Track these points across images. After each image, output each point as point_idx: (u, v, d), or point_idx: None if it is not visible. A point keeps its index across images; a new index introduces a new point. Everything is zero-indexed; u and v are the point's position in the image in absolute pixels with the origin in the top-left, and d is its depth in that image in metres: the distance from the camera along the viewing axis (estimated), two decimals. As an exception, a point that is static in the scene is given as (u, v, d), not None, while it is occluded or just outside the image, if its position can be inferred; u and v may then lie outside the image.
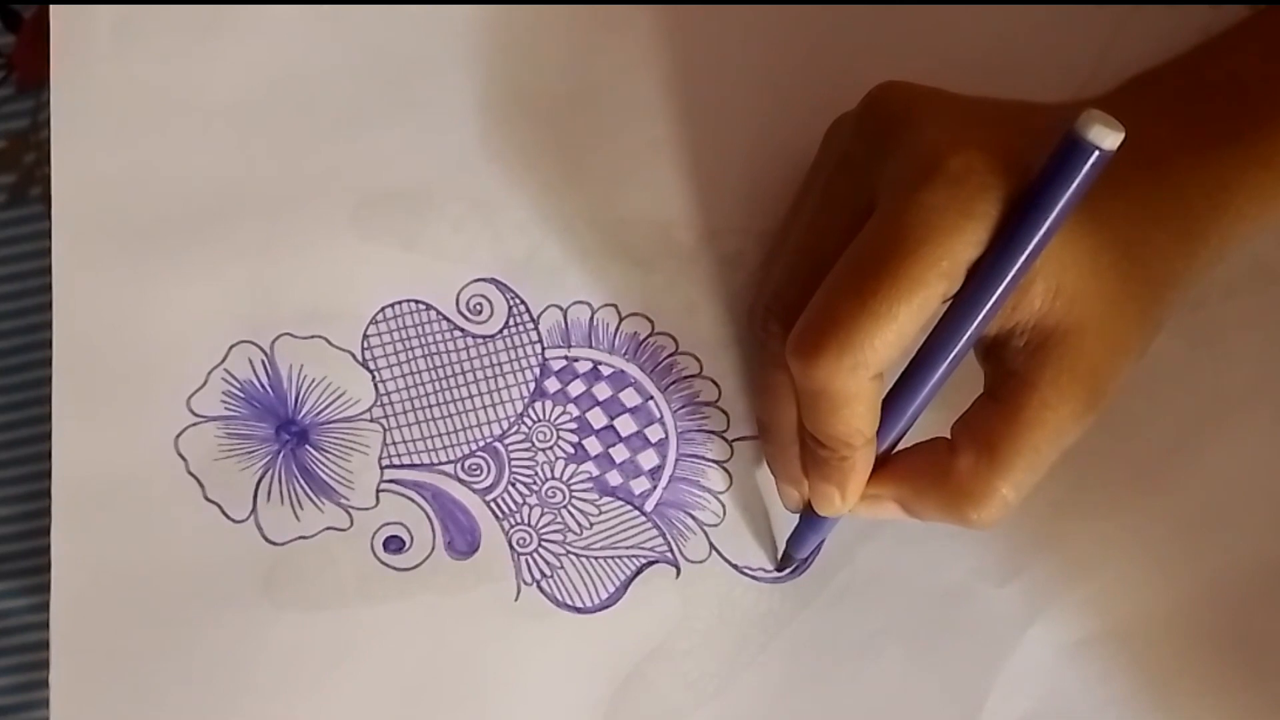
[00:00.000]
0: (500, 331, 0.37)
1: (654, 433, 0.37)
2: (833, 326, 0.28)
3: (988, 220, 0.27)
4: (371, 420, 0.37)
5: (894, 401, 0.31)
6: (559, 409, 0.37)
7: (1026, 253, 0.27)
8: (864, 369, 0.28)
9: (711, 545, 0.37)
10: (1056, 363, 0.29)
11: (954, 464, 0.30)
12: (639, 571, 0.37)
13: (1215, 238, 0.31)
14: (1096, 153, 0.26)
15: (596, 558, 0.37)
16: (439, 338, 0.37)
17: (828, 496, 0.32)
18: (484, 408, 0.37)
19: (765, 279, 0.35)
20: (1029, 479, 0.30)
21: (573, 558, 0.37)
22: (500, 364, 0.37)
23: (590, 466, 0.37)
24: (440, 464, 0.37)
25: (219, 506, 0.37)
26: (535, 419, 0.37)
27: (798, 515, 0.35)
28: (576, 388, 0.37)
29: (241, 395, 0.37)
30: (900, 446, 0.32)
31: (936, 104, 0.30)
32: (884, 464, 0.32)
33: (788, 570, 0.36)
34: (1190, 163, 0.31)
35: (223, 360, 0.37)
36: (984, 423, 0.30)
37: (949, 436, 0.31)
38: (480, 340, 0.37)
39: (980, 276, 0.28)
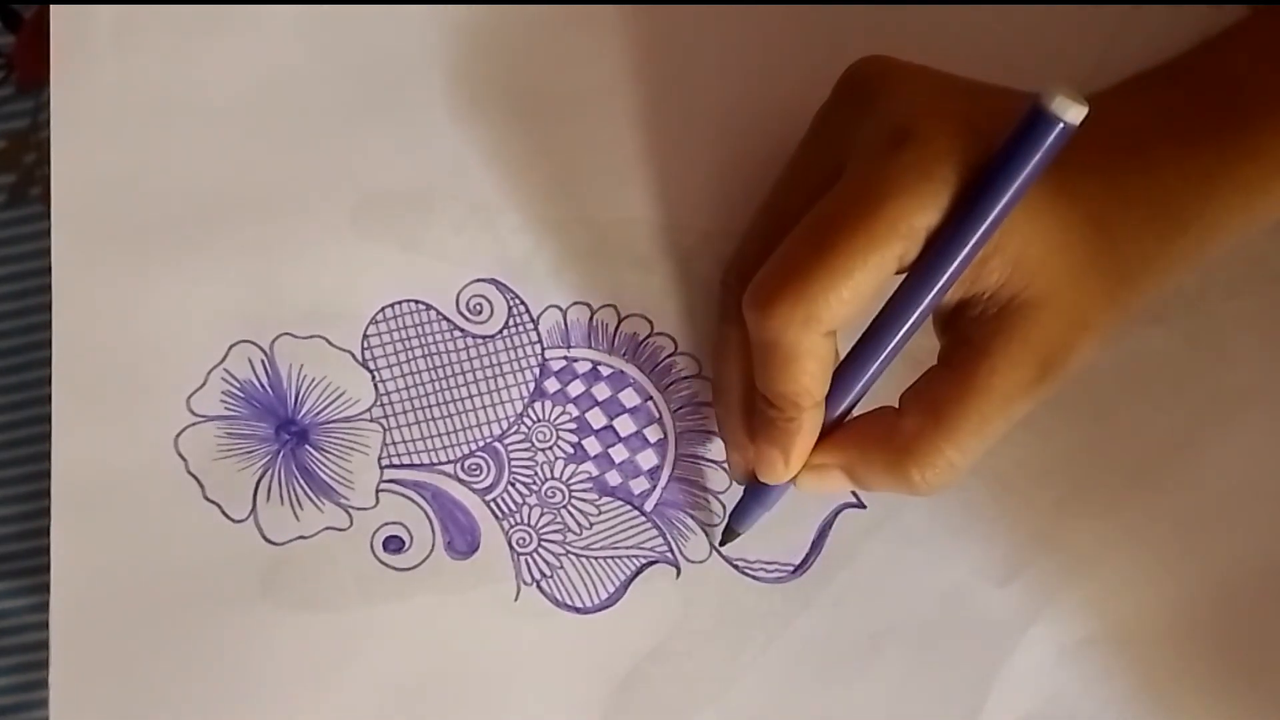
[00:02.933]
0: (500, 332, 0.37)
1: (653, 433, 0.37)
2: (788, 279, 0.28)
3: (949, 186, 0.28)
4: (371, 420, 0.37)
5: (846, 370, 0.31)
6: (558, 409, 0.37)
7: (986, 223, 0.27)
8: (817, 323, 0.28)
9: (712, 545, 0.37)
10: (1008, 331, 0.29)
11: (900, 427, 0.30)
12: (639, 571, 0.36)
13: (1196, 227, 0.31)
14: (1060, 125, 0.26)
15: (596, 558, 0.37)
16: (439, 338, 0.37)
17: (771, 461, 0.32)
18: (484, 408, 0.37)
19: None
20: (974, 444, 0.30)
21: (573, 558, 0.37)
22: (500, 364, 0.37)
23: (590, 466, 0.37)
24: (440, 464, 0.37)
25: (219, 506, 0.37)
26: (535, 419, 0.37)
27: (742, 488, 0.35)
28: (576, 388, 0.37)
29: (241, 395, 0.37)
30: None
31: (911, 75, 0.31)
32: (831, 433, 0.32)
33: (729, 543, 0.36)
34: (1173, 151, 0.31)
35: (222, 360, 0.37)
36: (933, 387, 0.30)
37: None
38: (480, 340, 0.37)
39: (939, 244, 0.28)
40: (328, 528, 0.37)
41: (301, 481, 0.37)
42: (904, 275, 0.29)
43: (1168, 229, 0.31)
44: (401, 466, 0.37)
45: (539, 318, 0.37)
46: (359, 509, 0.37)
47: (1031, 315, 0.29)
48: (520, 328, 0.37)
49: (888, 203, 0.28)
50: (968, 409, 0.29)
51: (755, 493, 0.34)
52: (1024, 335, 0.29)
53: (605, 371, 0.37)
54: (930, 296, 0.29)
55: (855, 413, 0.32)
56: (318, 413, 0.37)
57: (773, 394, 0.30)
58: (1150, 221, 0.30)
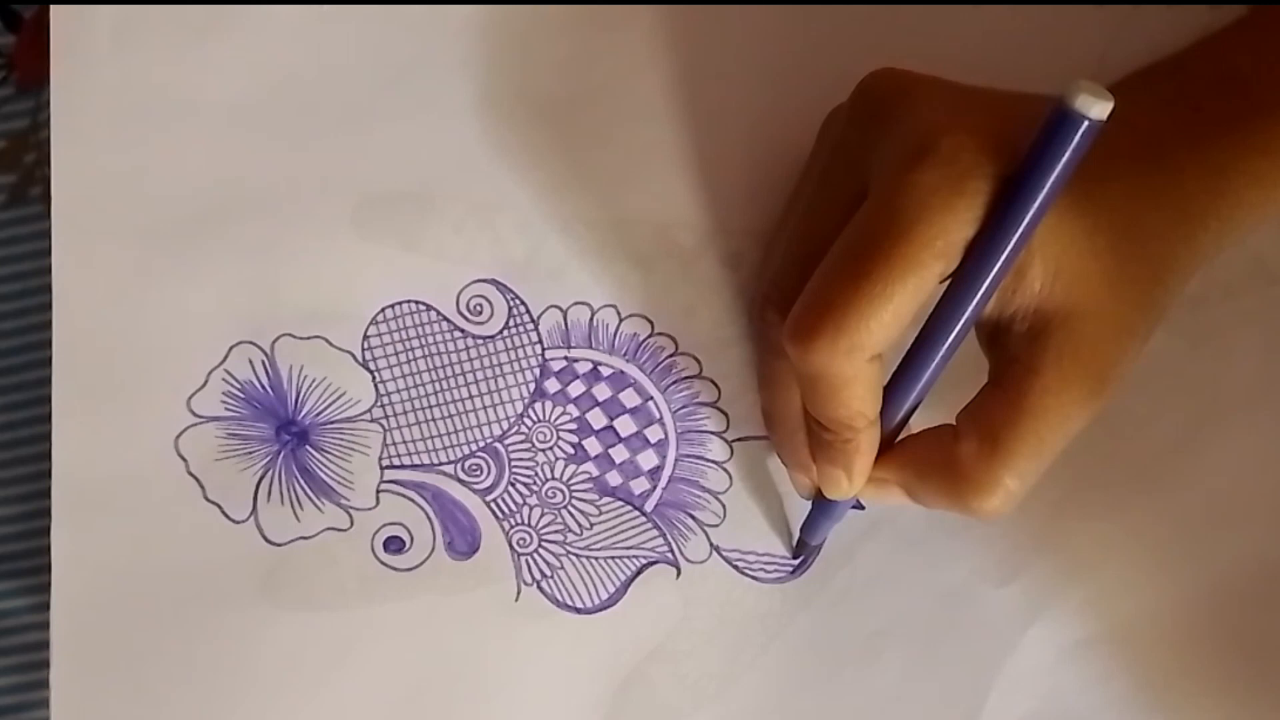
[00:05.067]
0: (500, 332, 0.37)
1: (654, 433, 0.37)
2: (827, 310, 0.28)
3: (980, 198, 0.27)
4: (371, 420, 0.37)
5: (896, 384, 0.31)
6: (559, 409, 0.37)
7: (1021, 227, 0.27)
8: (860, 351, 0.28)
9: (712, 545, 0.37)
10: (1058, 347, 0.29)
11: (958, 452, 0.30)
12: (639, 572, 0.37)
13: (1215, 222, 0.31)
14: (1086, 122, 0.26)
15: (597, 558, 0.37)
16: (439, 338, 0.37)
17: (835, 479, 0.32)
18: (484, 408, 0.37)
19: (764, 270, 0.35)
20: (1033, 467, 0.30)
21: (573, 558, 0.37)
22: (500, 364, 0.37)
23: (590, 467, 0.37)
24: (440, 464, 0.37)
25: (219, 507, 0.37)
26: (535, 419, 0.37)
27: (810, 502, 0.35)
28: (576, 388, 0.37)
29: (242, 396, 0.37)
30: (909, 431, 0.32)
31: (928, 89, 0.30)
32: (890, 449, 0.32)
33: (801, 559, 0.36)
34: (1187, 150, 0.31)
35: (223, 361, 0.37)
36: (988, 411, 0.30)
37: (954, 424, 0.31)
38: (480, 341, 0.37)
39: (975, 254, 0.28)
40: (328, 528, 0.37)
41: (302, 482, 0.37)
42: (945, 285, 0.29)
43: (1190, 228, 0.30)
44: (402, 467, 0.37)
45: (539, 318, 0.37)
46: (359, 509, 0.37)
47: (1076, 326, 0.29)
48: (520, 328, 0.37)
49: (920, 223, 0.27)
50: (1024, 432, 0.29)
51: (823, 507, 0.34)
52: (1074, 349, 0.29)
53: (606, 372, 0.37)
54: (972, 307, 0.28)
55: (914, 420, 0.32)
56: (318, 413, 0.37)
57: (826, 419, 0.30)
58: (1173, 222, 0.30)
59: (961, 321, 0.29)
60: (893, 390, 0.31)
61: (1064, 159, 0.26)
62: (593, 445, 0.37)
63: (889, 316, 0.28)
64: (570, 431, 0.37)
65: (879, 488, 0.32)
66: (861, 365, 0.28)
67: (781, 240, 0.34)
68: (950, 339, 0.29)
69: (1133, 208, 0.30)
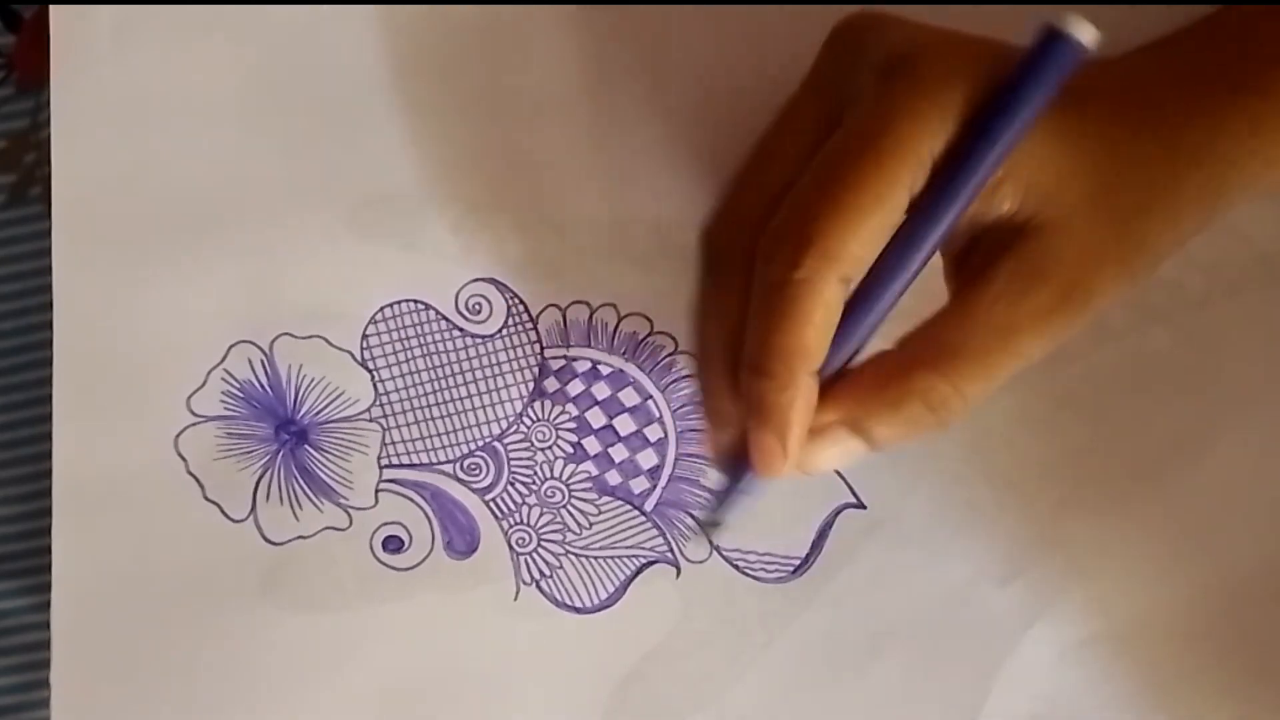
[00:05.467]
0: (499, 331, 0.37)
1: (653, 432, 0.37)
2: (803, 224, 0.27)
3: (953, 110, 0.27)
4: (371, 420, 0.37)
5: (848, 315, 0.29)
6: (558, 408, 0.37)
7: (996, 146, 0.27)
8: (834, 265, 0.27)
9: (712, 545, 0.37)
10: (1016, 257, 0.28)
11: (902, 364, 0.29)
12: (639, 571, 0.36)
13: (1208, 160, 0.29)
14: (1074, 44, 0.26)
15: (596, 557, 0.36)
16: (438, 338, 0.37)
17: (770, 450, 0.29)
18: (483, 407, 0.37)
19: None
20: (981, 376, 0.28)
21: (572, 557, 0.36)
22: (499, 364, 0.37)
23: (589, 466, 0.37)
24: (439, 464, 0.37)
25: (218, 506, 0.37)
26: (534, 418, 0.37)
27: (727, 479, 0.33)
28: (575, 387, 0.37)
29: (241, 395, 0.37)
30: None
31: (904, 21, 0.30)
32: (830, 387, 0.30)
33: (713, 534, 0.35)
34: (1182, 90, 0.30)
35: (222, 360, 0.37)
36: (935, 323, 0.29)
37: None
38: (479, 340, 0.37)
39: (946, 174, 0.27)
40: (327, 528, 0.37)
41: (301, 481, 0.37)
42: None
43: (1178, 163, 0.29)
44: (401, 466, 0.37)
45: (538, 317, 0.37)
46: (358, 509, 0.37)
47: (1043, 240, 0.28)
48: (519, 327, 0.37)
49: (889, 134, 0.27)
50: (968, 337, 0.28)
51: (741, 478, 0.32)
52: (1034, 263, 0.28)
53: (605, 371, 0.37)
54: (941, 228, 0.28)
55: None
56: (317, 413, 0.37)
57: (771, 349, 0.28)
58: (1161, 155, 0.29)
59: (928, 243, 0.28)
60: (844, 322, 0.29)
61: (1047, 79, 0.26)
62: (592, 444, 0.37)
63: (865, 232, 0.27)
64: (569, 430, 0.37)
65: (821, 439, 0.30)
66: (829, 285, 0.27)
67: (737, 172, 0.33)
68: (913, 266, 0.28)
69: (1119, 135, 0.29)
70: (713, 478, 0.37)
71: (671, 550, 0.37)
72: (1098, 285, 0.28)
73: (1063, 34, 0.26)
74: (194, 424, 0.37)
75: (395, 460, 0.37)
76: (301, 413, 0.37)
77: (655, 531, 0.37)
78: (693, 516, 0.36)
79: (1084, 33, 0.26)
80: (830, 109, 0.30)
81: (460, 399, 0.37)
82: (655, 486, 0.37)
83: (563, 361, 0.37)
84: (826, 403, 0.30)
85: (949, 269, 0.30)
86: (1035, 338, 0.28)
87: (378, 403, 0.37)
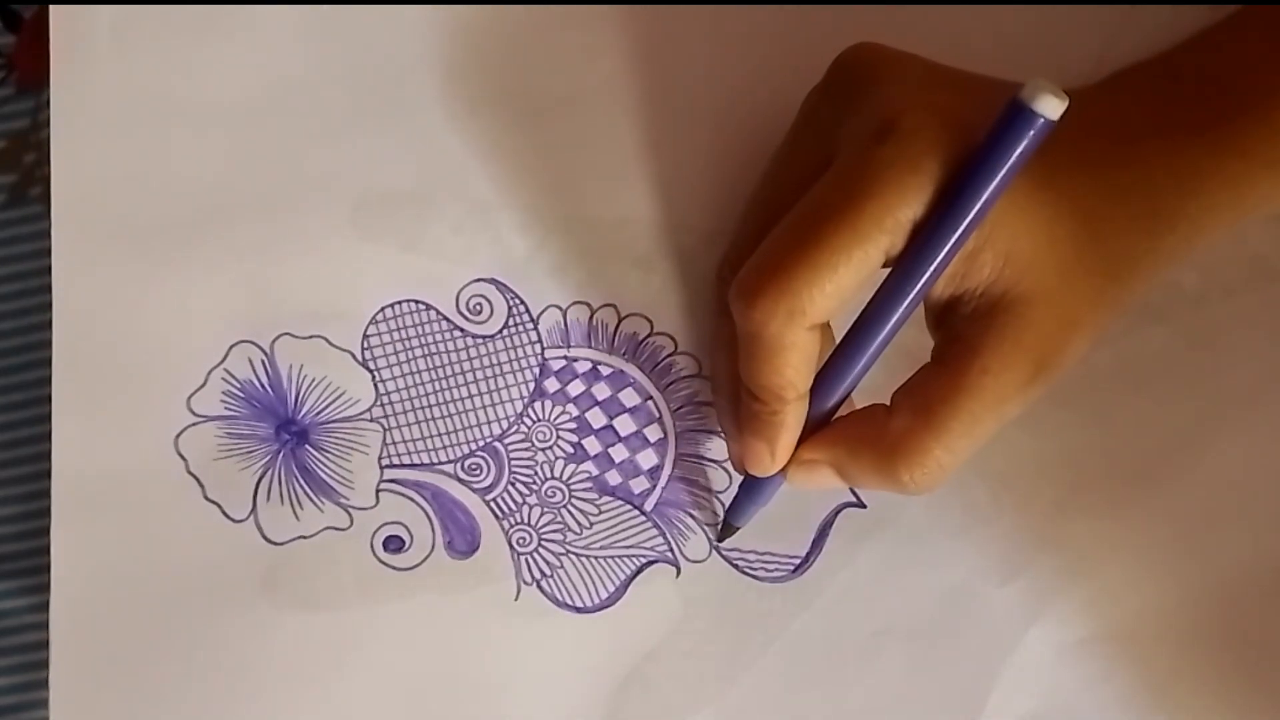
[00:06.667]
0: (500, 331, 0.37)
1: (653, 432, 0.37)
2: (773, 272, 0.28)
3: (933, 179, 0.28)
4: (371, 420, 0.37)
5: (833, 364, 0.31)
6: (558, 409, 0.37)
7: (969, 216, 0.27)
8: (800, 316, 0.28)
9: (712, 545, 0.37)
10: (1001, 329, 0.29)
11: (890, 425, 0.30)
12: (639, 571, 0.36)
13: (1184, 223, 0.31)
14: (1039, 120, 0.26)
15: (596, 557, 0.37)
16: (439, 338, 0.37)
17: (757, 453, 0.32)
18: (484, 407, 0.37)
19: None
20: (964, 444, 0.30)
21: (573, 557, 0.37)
22: (500, 364, 0.37)
23: (590, 466, 0.37)
24: (440, 464, 0.37)
25: (219, 506, 0.37)
26: (535, 419, 0.37)
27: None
28: (576, 387, 0.37)
29: (241, 395, 0.37)
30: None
31: (900, 65, 0.31)
32: (820, 429, 0.32)
33: (727, 539, 0.36)
34: (1161, 147, 0.31)
35: (223, 360, 0.37)
36: (924, 385, 0.30)
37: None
38: (480, 340, 0.37)
39: (923, 237, 0.28)
40: (328, 527, 0.37)
41: (301, 481, 0.37)
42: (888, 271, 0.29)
43: (1155, 226, 0.30)
44: (401, 466, 0.37)
45: (539, 317, 0.37)
46: (359, 509, 0.37)
47: (1024, 313, 0.29)
48: (520, 327, 0.37)
49: (871, 197, 0.28)
50: (958, 409, 0.29)
51: (749, 487, 0.34)
52: (1016, 334, 0.29)
53: (605, 371, 0.37)
54: (915, 290, 0.29)
55: (849, 409, 0.32)
56: (318, 413, 0.37)
57: (756, 386, 0.30)
58: (1138, 219, 0.30)
59: (903, 306, 0.29)
60: (827, 371, 0.31)
61: (1014, 154, 0.27)
62: (592, 444, 0.37)
63: (831, 286, 0.28)
64: (570, 431, 0.37)
65: (808, 470, 0.32)
66: (799, 333, 0.29)
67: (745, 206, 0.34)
68: (891, 323, 0.29)
69: (1097, 201, 0.30)
70: (713, 478, 0.37)
71: (671, 550, 0.37)
72: (1073, 349, 0.30)
73: (1028, 108, 0.26)
74: (194, 424, 0.37)
75: (396, 460, 0.37)
76: (302, 413, 0.37)
77: (655, 531, 0.37)
78: (712, 523, 0.37)
79: (1049, 108, 0.26)
80: (822, 153, 0.31)
81: (461, 399, 0.37)
82: (655, 486, 0.37)
83: (563, 362, 0.37)
84: (817, 442, 0.32)
85: (931, 321, 0.31)
86: (1016, 404, 0.30)
87: (378, 403, 0.37)
